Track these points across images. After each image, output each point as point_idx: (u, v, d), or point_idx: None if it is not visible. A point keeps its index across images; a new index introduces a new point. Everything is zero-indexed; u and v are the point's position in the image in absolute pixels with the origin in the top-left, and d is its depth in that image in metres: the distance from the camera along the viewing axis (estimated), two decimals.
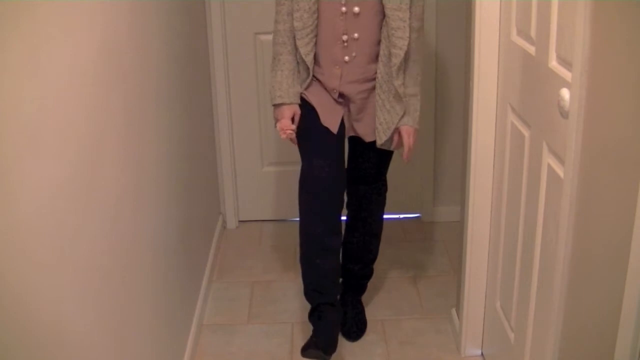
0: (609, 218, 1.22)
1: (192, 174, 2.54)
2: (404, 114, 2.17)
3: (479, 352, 2.34)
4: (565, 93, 1.42)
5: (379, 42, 2.13)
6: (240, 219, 3.36)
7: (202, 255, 2.73)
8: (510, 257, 1.96)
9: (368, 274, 2.57)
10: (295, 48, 2.15)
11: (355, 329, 2.51)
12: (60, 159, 1.21)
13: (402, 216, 3.36)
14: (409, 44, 2.07)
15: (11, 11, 1.03)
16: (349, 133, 2.30)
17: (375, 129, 2.20)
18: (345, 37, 2.12)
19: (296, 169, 3.22)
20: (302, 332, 2.51)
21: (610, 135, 1.21)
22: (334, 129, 2.20)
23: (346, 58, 2.15)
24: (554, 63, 1.56)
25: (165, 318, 2.01)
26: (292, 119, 2.19)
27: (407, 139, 2.20)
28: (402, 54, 2.07)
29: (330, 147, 2.22)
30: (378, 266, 2.88)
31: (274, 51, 2.20)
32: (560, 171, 1.54)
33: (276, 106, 2.20)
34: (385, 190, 2.48)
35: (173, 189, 2.17)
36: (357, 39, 2.13)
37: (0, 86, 0.99)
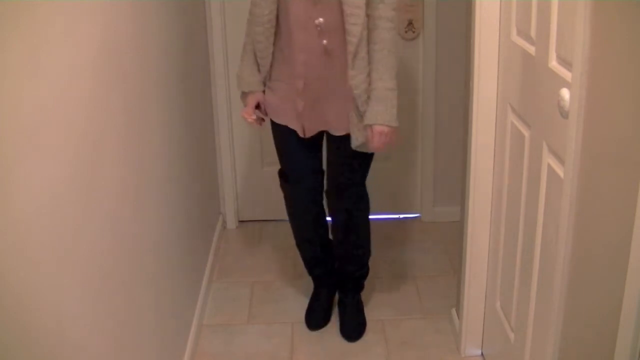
0: (609, 218, 1.22)
1: (192, 174, 2.54)
2: (377, 111, 2.04)
3: (479, 352, 2.34)
4: (565, 93, 1.42)
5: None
6: (240, 219, 3.36)
7: (202, 255, 2.73)
8: (510, 257, 1.96)
9: (364, 273, 2.56)
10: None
11: (355, 330, 2.50)
12: (60, 159, 1.21)
13: (402, 216, 3.36)
14: (374, 32, 2.01)
15: (11, 11, 1.03)
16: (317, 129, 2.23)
17: (354, 129, 2.12)
18: (320, 20, 2.04)
19: None
20: (302, 332, 2.51)
21: (610, 135, 1.21)
22: (299, 130, 2.20)
23: (324, 42, 2.06)
24: (554, 63, 1.56)
25: (165, 318, 2.01)
26: (258, 105, 2.27)
27: (377, 140, 2.07)
28: (355, 41, 1.99)
29: (300, 155, 2.33)
30: (378, 266, 2.88)
31: (244, 41, 2.26)
32: (560, 171, 1.54)
33: (242, 93, 2.29)
34: (365, 199, 2.38)
35: (173, 189, 2.17)
36: (322, 24, 2.04)
37: (0, 86, 0.99)
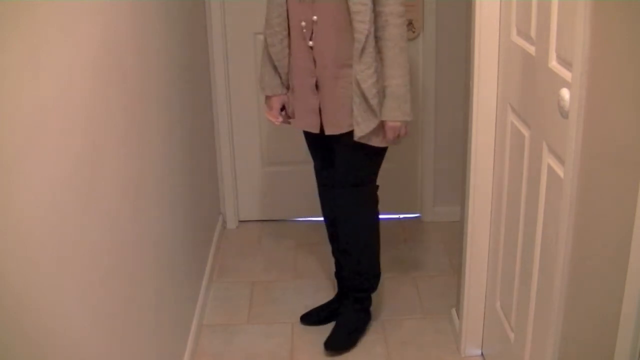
0: (609, 218, 1.22)
1: (193, 173, 2.54)
2: (391, 108, 2.10)
3: (479, 352, 2.34)
4: (565, 93, 1.42)
5: (348, 28, 2.08)
6: (240, 219, 3.36)
7: (202, 255, 2.73)
8: (510, 257, 1.96)
9: (357, 285, 2.43)
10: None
11: (332, 341, 2.40)
12: (60, 159, 1.21)
13: (402, 216, 3.36)
14: (382, 29, 2.05)
15: (11, 11, 1.03)
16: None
17: (355, 122, 2.12)
18: (304, 24, 2.14)
19: (296, 169, 3.24)
20: (302, 332, 2.51)
21: (610, 135, 1.21)
22: (314, 128, 2.25)
23: (310, 43, 2.15)
24: (554, 63, 1.56)
25: (165, 318, 2.00)
26: (283, 108, 2.34)
27: (392, 135, 2.15)
28: (362, 38, 2.02)
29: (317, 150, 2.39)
30: None
31: (263, 44, 2.29)
32: (560, 171, 1.54)
33: (266, 97, 2.35)
34: (367, 196, 2.33)
35: (173, 189, 2.17)
36: (316, 23, 2.12)
37: (0, 86, 0.99)
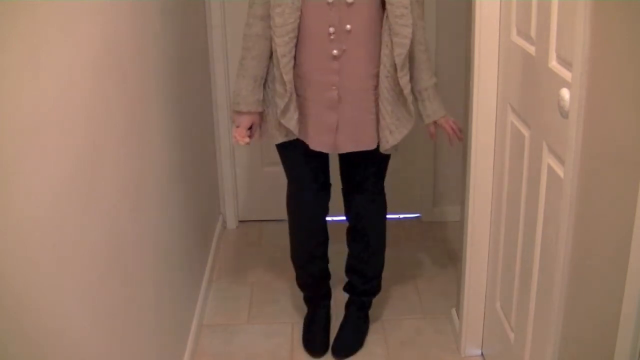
0: (609, 218, 1.22)
1: (192, 173, 2.54)
2: (438, 107, 2.15)
3: (479, 352, 2.34)
4: (565, 93, 1.42)
5: (378, 36, 2.01)
6: (240, 219, 3.36)
7: (202, 255, 2.73)
8: (510, 257, 1.96)
9: (370, 290, 2.46)
10: (261, 54, 2.05)
11: (344, 347, 2.41)
12: (60, 159, 1.21)
13: (402, 216, 3.36)
14: (413, 33, 1.98)
15: (11, 11, 1.03)
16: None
17: (381, 132, 2.07)
18: (332, 30, 1.97)
19: None
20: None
21: (610, 135, 1.21)
22: (329, 148, 2.11)
23: (335, 52, 1.99)
24: (554, 63, 1.56)
25: (165, 318, 2.00)
26: (251, 127, 2.14)
27: (449, 128, 2.17)
28: (407, 42, 1.95)
29: (313, 170, 2.26)
30: None
31: (240, 55, 2.12)
32: (560, 171, 1.54)
33: (236, 112, 2.13)
34: (384, 199, 2.36)
35: (173, 189, 2.17)
36: (349, 31, 1.98)
37: (0, 86, 0.99)
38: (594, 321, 1.31)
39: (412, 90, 2.10)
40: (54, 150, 1.18)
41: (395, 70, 2.00)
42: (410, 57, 2.04)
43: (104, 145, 1.46)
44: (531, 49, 1.70)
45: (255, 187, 3.32)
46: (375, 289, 2.48)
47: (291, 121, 2.06)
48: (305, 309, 2.57)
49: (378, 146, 2.11)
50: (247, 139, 2.11)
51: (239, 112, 2.12)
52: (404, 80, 2.01)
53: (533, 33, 1.69)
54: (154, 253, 1.89)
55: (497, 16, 1.94)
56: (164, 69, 2.11)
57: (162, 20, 2.12)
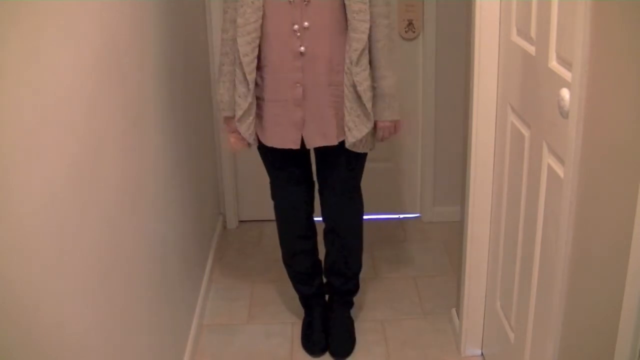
0: (609, 218, 1.22)
1: (193, 173, 2.54)
2: (382, 108, 2.09)
3: (479, 352, 2.34)
4: (565, 93, 1.42)
5: (343, 33, 2.03)
6: (240, 219, 3.36)
7: (202, 255, 2.73)
8: (510, 257, 1.96)
9: (352, 289, 2.48)
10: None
11: (342, 348, 2.42)
12: (60, 159, 1.21)
13: (402, 216, 3.36)
14: (372, 29, 2.00)
15: (11, 11, 1.03)
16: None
17: (346, 128, 2.07)
18: (296, 27, 2.00)
19: None
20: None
21: (610, 135, 1.21)
22: (295, 144, 2.11)
23: (302, 49, 2.01)
24: (554, 63, 1.56)
25: (165, 318, 2.01)
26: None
27: (386, 135, 2.16)
28: (364, 38, 1.98)
29: (292, 172, 2.27)
30: (378, 266, 2.88)
31: (219, 60, 2.13)
32: (560, 171, 1.54)
33: (225, 118, 2.16)
34: (360, 199, 2.35)
35: (173, 189, 2.17)
36: (307, 28, 2.00)
37: (0, 86, 0.99)
38: (594, 321, 1.31)
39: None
40: (53, 150, 1.18)
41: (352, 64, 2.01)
42: (369, 54, 2.04)
43: (104, 145, 1.46)
44: (531, 49, 1.70)
45: (256, 187, 3.31)
46: (356, 288, 2.50)
47: (248, 131, 2.09)
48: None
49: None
50: (244, 143, 2.14)
51: (228, 118, 2.15)
52: (360, 76, 2.01)
53: (533, 33, 1.69)
54: (154, 253, 1.89)
55: (497, 16, 1.94)
56: (164, 69, 2.11)
57: (162, 20, 2.12)
